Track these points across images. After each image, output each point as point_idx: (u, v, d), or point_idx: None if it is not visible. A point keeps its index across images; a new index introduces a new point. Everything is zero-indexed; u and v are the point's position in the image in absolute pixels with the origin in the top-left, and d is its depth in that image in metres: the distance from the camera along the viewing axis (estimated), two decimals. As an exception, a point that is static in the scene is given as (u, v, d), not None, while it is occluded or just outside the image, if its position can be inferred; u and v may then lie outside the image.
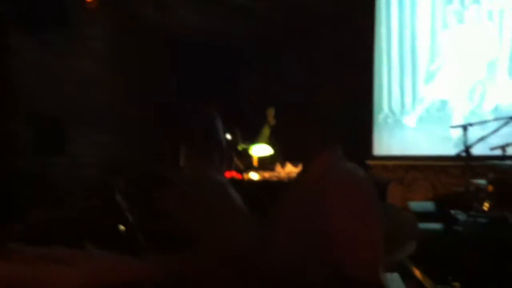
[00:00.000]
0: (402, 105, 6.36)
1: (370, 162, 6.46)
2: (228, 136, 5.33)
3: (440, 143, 5.91)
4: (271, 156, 5.45)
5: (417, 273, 2.39)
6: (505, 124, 4.04)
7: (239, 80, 7.15)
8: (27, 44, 5.08)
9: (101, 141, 5.77)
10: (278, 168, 5.48)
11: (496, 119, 4.32)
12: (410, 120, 6.27)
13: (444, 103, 5.96)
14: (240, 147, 5.02)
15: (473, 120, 5.01)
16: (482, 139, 3.92)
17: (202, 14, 6.41)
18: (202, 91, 6.44)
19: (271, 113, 5.68)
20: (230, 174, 4.88)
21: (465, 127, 4.06)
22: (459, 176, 5.45)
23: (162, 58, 6.32)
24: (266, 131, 5.74)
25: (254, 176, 4.87)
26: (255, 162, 5.11)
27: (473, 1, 5.67)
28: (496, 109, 5.47)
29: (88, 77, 5.72)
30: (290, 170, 5.40)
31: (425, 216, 4.87)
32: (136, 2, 6.18)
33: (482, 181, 4.23)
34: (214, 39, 6.73)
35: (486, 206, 4.00)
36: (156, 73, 6.23)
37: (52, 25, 5.19)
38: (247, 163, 5.20)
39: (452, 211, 4.25)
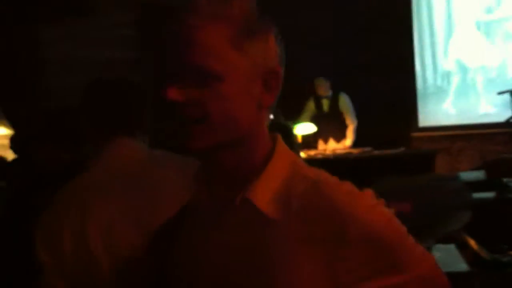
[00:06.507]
0: (444, 75, 6.25)
1: (415, 134, 6.36)
2: (271, 116, 5.29)
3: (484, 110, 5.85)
4: (314, 133, 5.40)
5: (472, 243, 2.36)
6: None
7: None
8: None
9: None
10: (321, 144, 5.43)
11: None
12: (452, 89, 6.16)
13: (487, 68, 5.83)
14: (283, 126, 4.97)
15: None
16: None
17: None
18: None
19: (320, 84, 5.41)
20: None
21: (512, 92, 3.94)
22: (506, 143, 5.35)
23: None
24: (310, 105, 5.52)
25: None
26: (299, 141, 5.04)
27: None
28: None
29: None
30: (333, 146, 5.36)
31: (476, 185, 4.78)
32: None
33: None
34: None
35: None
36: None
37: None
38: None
39: (504, 179, 4.17)
